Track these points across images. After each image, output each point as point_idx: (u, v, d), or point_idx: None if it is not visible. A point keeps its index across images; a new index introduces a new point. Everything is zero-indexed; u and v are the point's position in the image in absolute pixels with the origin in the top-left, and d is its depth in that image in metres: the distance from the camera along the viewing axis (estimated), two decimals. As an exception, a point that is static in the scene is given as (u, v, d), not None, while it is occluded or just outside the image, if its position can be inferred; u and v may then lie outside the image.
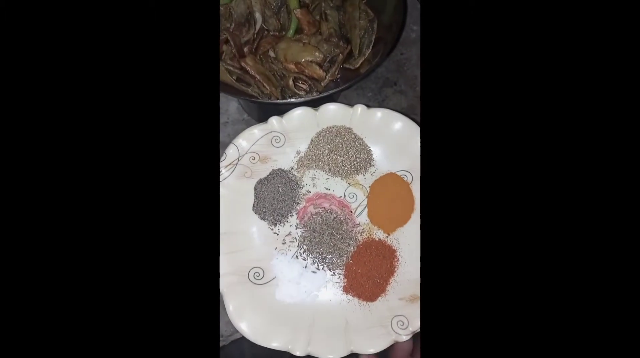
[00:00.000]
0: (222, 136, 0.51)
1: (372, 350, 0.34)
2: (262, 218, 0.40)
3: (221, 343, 0.42)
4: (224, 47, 0.44)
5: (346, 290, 0.38)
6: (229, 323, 0.38)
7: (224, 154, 0.40)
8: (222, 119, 0.53)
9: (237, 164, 0.40)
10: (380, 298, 0.37)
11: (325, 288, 0.38)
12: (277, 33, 0.46)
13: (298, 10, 0.46)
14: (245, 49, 0.44)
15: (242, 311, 0.36)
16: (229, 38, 0.43)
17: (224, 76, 0.42)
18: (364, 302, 0.37)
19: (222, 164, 0.40)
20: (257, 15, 0.45)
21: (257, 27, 0.45)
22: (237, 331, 0.40)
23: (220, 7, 0.45)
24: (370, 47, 0.45)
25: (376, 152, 0.42)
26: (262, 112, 0.49)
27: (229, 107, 0.54)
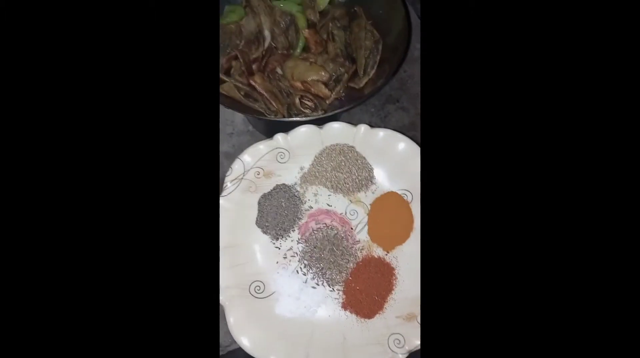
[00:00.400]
0: (227, 147, 0.52)
1: (369, 367, 0.35)
2: (265, 232, 0.41)
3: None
4: (233, 64, 0.45)
5: (345, 306, 0.39)
6: (228, 333, 0.39)
7: (230, 169, 0.41)
8: (228, 130, 0.54)
9: (242, 178, 0.41)
10: (377, 315, 0.38)
11: (324, 303, 0.39)
12: (285, 51, 0.47)
13: (306, 30, 0.47)
14: (254, 67, 0.45)
15: (242, 324, 0.36)
16: (238, 55, 0.44)
17: (232, 92, 0.43)
18: (362, 319, 0.38)
19: (227, 179, 0.41)
20: (266, 33, 0.46)
21: (266, 44, 0.46)
22: (234, 342, 0.41)
23: (231, 25, 0.46)
24: (375, 68, 0.46)
25: (377, 171, 0.43)
26: (268, 127, 0.50)
27: (235, 118, 0.55)
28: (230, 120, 0.55)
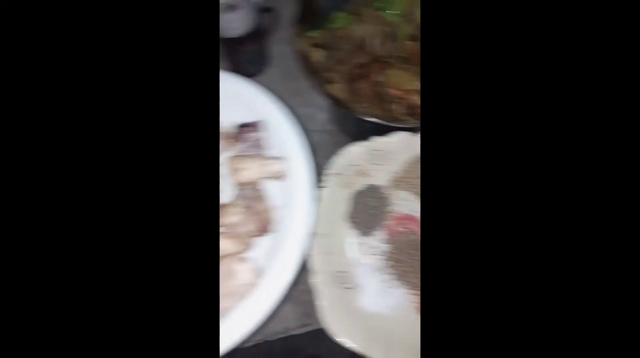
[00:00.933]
0: (310, 143, 0.55)
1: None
2: (354, 228, 0.44)
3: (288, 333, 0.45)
4: (339, 67, 0.48)
5: (419, 311, 0.41)
6: (302, 315, 0.42)
7: (330, 163, 0.44)
8: (310, 126, 0.57)
9: (339, 173, 0.44)
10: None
11: (402, 304, 0.41)
12: (386, 60, 0.50)
13: (408, 42, 0.50)
14: (358, 71, 0.48)
15: (329, 308, 0.39)
16: (344, 59, 0.47)
17: (339, 93, 0.46)
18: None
19: (327, 172, 0.44)
20: (371, 41, 0.49)
21: (370, 51, 0.49)
22: (304, 325, 0.43)
23: (339, 29, 0.50)
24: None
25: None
26: (357, 128, 0.52)
27: (317, 116, 0.58)
28: (312, 117, 0.58)
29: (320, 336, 0.40)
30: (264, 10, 0.59)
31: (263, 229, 0.41)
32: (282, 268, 0.38)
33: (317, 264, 0.40)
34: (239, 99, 0.47)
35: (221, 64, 0.53)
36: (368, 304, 0.41)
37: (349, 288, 0.41)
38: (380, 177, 0.46)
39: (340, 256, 0.42)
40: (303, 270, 0.40)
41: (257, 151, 0.45)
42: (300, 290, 0.43)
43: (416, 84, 0.47)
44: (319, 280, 0.40)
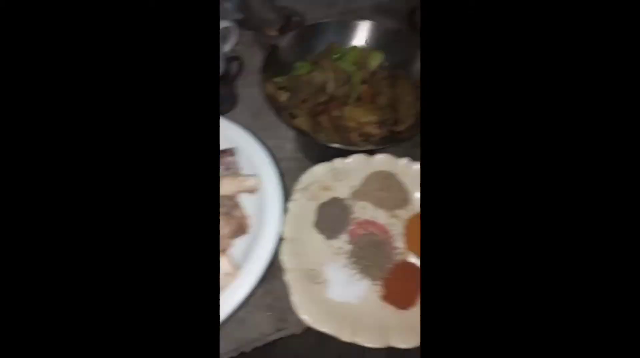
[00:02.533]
0: (279, 169, 0.65)
1: (404, 345, 0.45)
2: (321, 233, 0.54)
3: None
4: (303, 105, 0.62)
5: (384, 298, 0.50)
6: (279, 319, 0.49)
7: (299, 181, 0.56)
8: (280, 155, 0.68)
9: (306, 189, 0.56)
10: (411, 308, 0.49)
11: (367, 294, 0.50)
12: (343, 99, 0.65)
13: (362, 85, 0.65)
14: (320, 108, 0.62)
15: (302, 302, 0.48)
16: (307, 99, 0.62)
17: (303, 125, 0.59)
18: (399, 310, 0.49)
19: (295, 189, 0.55)
20: (330, 85, 0.64)
21: (329, 93, 0.64)
22: (280, 330, 0.51)
23: (302, 76, 0.65)
24: (414, 117, 0.63)
25: (413, 194, 0.57)
26: (320, 154, 0.65)
27: (285, 146, 0.70)
28: (281, 146, 0.70)
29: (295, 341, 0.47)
30: (232, 59, 0.75)
31: (239, 231, 0.52)
32: (255, 262, 0.49)
33: (288, 263, 0.50)
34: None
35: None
36: (337, 295, 0.50)
37: (319, 283, 0.50)
38: (341, 191, 0.57)
39: (309, 257, 0.52)
40: (276, 277, 0.49)
41: (233, 171, 0.57)
42: (273, 296, 0.51)
43: (370, 118, 0.61)
44: (290, 277, 0.49)
